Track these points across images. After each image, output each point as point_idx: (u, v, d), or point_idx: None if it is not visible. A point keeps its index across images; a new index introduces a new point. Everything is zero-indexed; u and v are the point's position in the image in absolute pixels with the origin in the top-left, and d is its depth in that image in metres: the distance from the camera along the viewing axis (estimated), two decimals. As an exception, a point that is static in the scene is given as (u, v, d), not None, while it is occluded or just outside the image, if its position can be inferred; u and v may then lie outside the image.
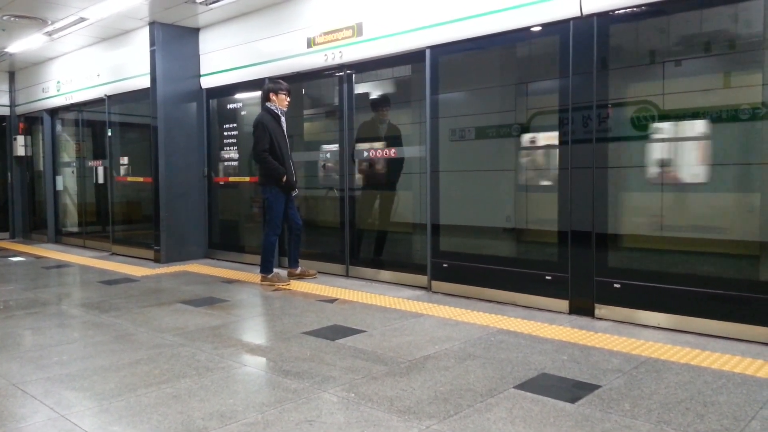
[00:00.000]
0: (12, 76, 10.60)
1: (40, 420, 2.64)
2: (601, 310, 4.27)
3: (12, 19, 7.06)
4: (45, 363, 3.46)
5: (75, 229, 9.95)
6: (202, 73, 7.62)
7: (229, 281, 6.08)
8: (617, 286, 4.19)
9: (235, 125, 7.56)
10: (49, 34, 7.78)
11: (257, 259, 6.10)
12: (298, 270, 5.99)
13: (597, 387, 2.95)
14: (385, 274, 5.85)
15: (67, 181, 10.13)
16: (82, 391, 2.99)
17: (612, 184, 4.30)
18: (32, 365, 3.42)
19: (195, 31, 7.58)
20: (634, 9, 4.09)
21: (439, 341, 3.79)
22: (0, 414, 2.71)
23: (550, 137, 4.76)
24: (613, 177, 4.32)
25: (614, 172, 4.34)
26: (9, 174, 10.70)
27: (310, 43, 6.23)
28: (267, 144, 5.53)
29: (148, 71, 7.40)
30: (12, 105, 10.67)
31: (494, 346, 3.67)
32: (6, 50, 8.69)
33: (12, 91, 10.65)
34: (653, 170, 4.56)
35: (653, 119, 4.34)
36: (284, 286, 5.65)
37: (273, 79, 5.87)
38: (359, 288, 5.55)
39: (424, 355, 3.52)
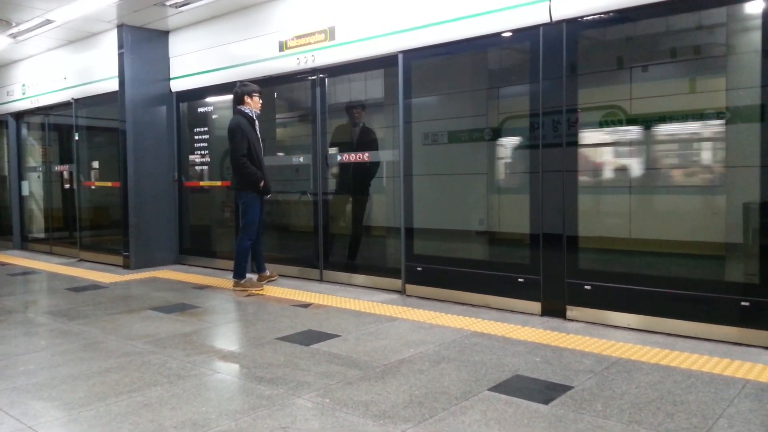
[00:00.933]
0: (-26, 78, 10.33)
1: (6, 431, 2.57)
2: (572, 311, 4.33)
3: (-26, 20, 6.89)
4: (10, 373, 3.37)
5: (41, 235, 9.72)
6: (171, 76, 7.52)
7: (201, 287, 6.01)
8: (588, 287, 4.25)
9: (205, 129, 7.48)
10: (14, 36, 7.60)
11: (229, 264, 6.03)
12: (268, 272, 5.94)
13: (569, 388, 2.99)
14: (360, 278, 5.84)
15: (32, 186, 9.90)
16: (50, 401, 2.92)
17: (582, 187, 4.37)
18: (-3, 376, 3.33)
19: (165, 34, 7.48)
20: (602, 15, 4.16)
21: (414, 345, 3.80)
22: (-37, 427, 2.63)
23: (521, 141, 4.82)
24: (582, 180, 4.39)
25: (584, 175, 4.41)
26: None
27: (282, 46, 6.20)
28: (245, 149, 5.47)
29: (117, 74, 7.28)
30: (-25, 108, 10.40)
31: (468, 348, 3.70)
32: (-32, 52, 8.47)
33: (-25, 94, 10.38)
34: (622, 173, 4.65)
35: (621, 123, 4.43)
36: (257, 292, 5.59)
37: (243, 83, 5.82)
38: (333, 292, 5.53)
39: (399, 358, 3.52)
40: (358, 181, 6.19)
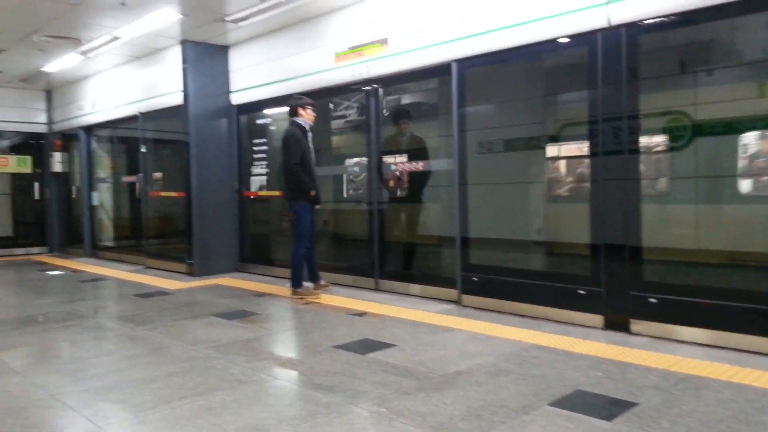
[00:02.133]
0: (49, 94, 10.93)
1: (78, 431, 2.69)
2: (637, 325, 4.19)
3: (48, 39, 7.28)
4: (82, 375, 3.53)
5: (110, 244, 10.16)
6: (231, 89, 7.75)
7: (260, 294, 6.14)
8: (653, 300, 4.10)
9: (264, 140, 7.66)
10: (84, 53, 8.01)
11: (287, 272, 6.14)
12: (322, 282, 6.01)
13: (634, 404, 2.89)
14: (415, 288, 5.84)
15: (102, 196, 10.37)
16: (118, 403, 3.04)
17: (645, 195, 4.23)
18: (70, 377, 3.49)
19: (225, 49, 7.72)
20: (664, 19, 4.04)
21: (471, 356, 3.76)
22: (40, 425, 2.77)
23: (580, 149, 4.71)
24: (646, 188, 4.25)
25: (648, 184, 4.27)
26: (47, 190, 10.99)
27: (337, 58, 6.29)
28: (299, 157, 5.60)
29: (181, 88, 7.56)
30: (49, 123, 10.99)
31: (527, 361, 3.63)
32: (43, 69, 8.96)
33: (49, 110, 10.97)
34: (688, 181, 4.49)
35: (685, 129, 4.27)
36: (314, 300, 5.67)
37: (298, 96, 5.96)
38: (389, 302, 5.55)
39: (456, 370, 3.49)
40: (411, 189, 6.20)
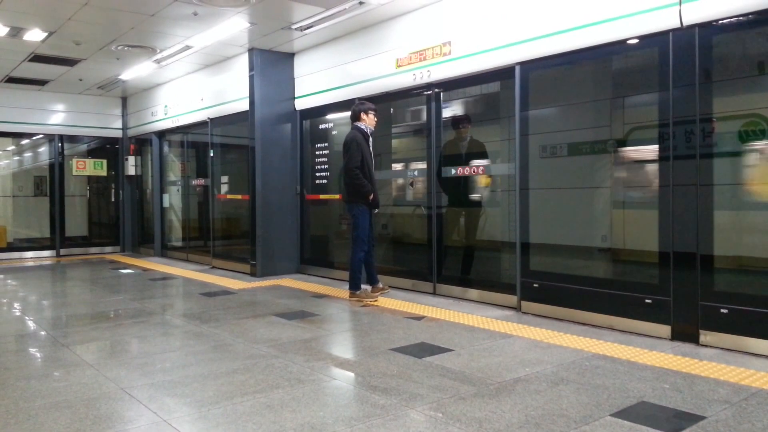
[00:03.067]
0: (124, 101, 11.49)
1: (145, 423, 2.81)
2: (706, 336, 4.00)
3: (125, 48, 7.67)
4: (149, 369, 3.68)
5: (179, 244, 10.56)
6: (296, 95, 7.92)
7: (319, 296, 6.23)
8: (724, 311, 3.91)
9: (326, 144, 7.79)
10: (158, 61, 8.38)
11: (345, 275, 6.21)
12: (381, 285, 6.03)
13: (702, 418, 2.76)
14: (473, 293, 5.78)
15: (172, 198, 10.80)
16: (182, 398, 3.15)
17: (718, 202, 4.04)
18: (138, 371, 3.64)
19: (290, 56, 7.91)
20: (740, 18, 3.85)
21: (530, 364, 3.69)
22: (110, 416, 2.91)
23: (650, 153, 4.55)
24: (719, 195, 4.06)
25: (720, 190, 4.08)
26: (120, 192, 11.55)
27: (399, 63, 6.33)
28: (359, 161, 5.66)
29: (247, 95, 7.79)
30: (124, 128, 11.56)
31: (589, 371, 3.53)
32: (119, 77, 9.44)
33: (124, 115, 11.54)
34: (764, 187, 4.25)
35: (762, 133, 4.06)
36: (372, 302, 5.71)
37: (361, 101, 6.03)
38: (446, 306, 5.52)
39: (514, 377, 3.43)
40: (470, 194, 6.16)
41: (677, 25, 4.11)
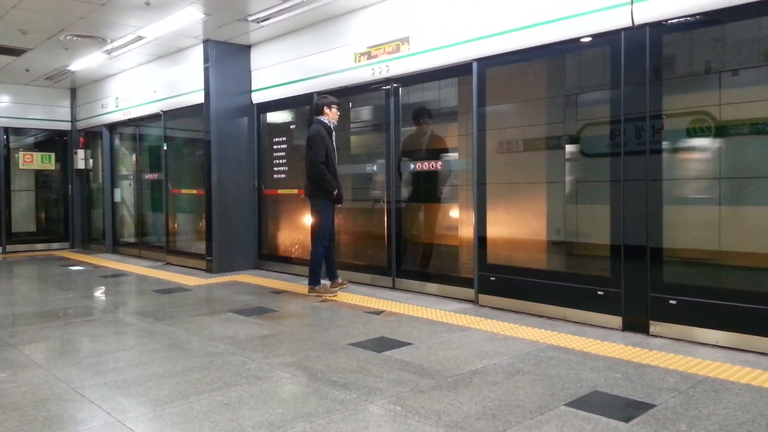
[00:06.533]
0: (73, 92, 11.11)
1: (98, 424, 2.73)
2: (656, 327, 4.14)
3: (74, 38, 7.41)
4: (102, 369, 3.58)
5: (132, 240, 10.30)
6: (253, 88, 7.81)
7: (278, 291, 6.17)
8: (673, 302, 4.05)
9: (284, 139, 7.71)
10: (109, 52, 8.13)
11: (304, 270, 6.17)
12: (340, 280, 6.03)
13: (652, 406, 2.86)
14: (432, 287, 5.83)
15: (124, 193, 10.52)
16: (136, 397, 3.08)
17: (667, 197, 4.18)
18: (90, 371, 3.54)
19: (247, 48, 7.78)
20: (689, 18, 3.98)
21: (487, 356, 3.75)
22: (60, 417, 2.82)
23: (602, 149, 4.67)
24: (668, 190, 4.20)
25: (669, 185, 4.21)
26: (69, 186, 11.18)
27: (357, 57, 6.31)
28: (324, 156, 5.62)
29: (202, 87, 7.64)
30: (73, 120, 11.18)
31: (544, 362, 3.61)
32: (68, 68, 9.12)
33: (73, 107, 11.16)
34: (710, 182, 4.42)
35: (709, 130, 4.21)
36: (331, 297, 5.69)
37: (323, 94, 5.98)
38: (405, 300, 5.55)
39: (472, 369, 3.48)
40: (428, 189, 6.20)
41: (629, 24, 4.22)
